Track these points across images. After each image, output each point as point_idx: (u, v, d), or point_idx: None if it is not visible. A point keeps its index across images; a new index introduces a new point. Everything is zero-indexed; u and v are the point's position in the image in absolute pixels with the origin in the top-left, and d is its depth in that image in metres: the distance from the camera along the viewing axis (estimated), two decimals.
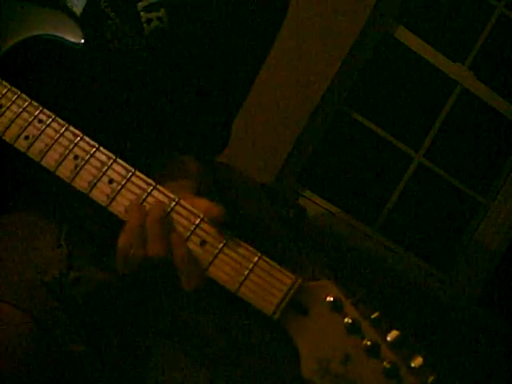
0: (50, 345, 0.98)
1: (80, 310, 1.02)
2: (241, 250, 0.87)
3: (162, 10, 1.11)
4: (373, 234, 2.64)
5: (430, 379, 0.78)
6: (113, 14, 1.10)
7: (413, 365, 0.79)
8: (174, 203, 0.90)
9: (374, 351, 0.79)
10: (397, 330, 0.81)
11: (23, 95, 0.98)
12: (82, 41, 1.03)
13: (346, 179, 2.75)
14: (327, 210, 2.58)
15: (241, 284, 0.85)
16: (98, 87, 1.12)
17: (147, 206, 0.90)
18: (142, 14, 1.11)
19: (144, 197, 0.91)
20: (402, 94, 2.77)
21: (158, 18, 1.11)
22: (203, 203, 0.90)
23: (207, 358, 1.70)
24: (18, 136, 0.96)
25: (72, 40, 1.03)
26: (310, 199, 2.57)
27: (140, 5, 1.11)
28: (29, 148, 0.96)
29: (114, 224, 1.09)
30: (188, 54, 1.15)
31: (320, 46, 2.36)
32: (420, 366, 0.79)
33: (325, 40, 2.36)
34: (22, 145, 0.96)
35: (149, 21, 1.11)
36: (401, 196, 2.70)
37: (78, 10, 1.09)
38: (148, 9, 1.11)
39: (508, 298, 2.71)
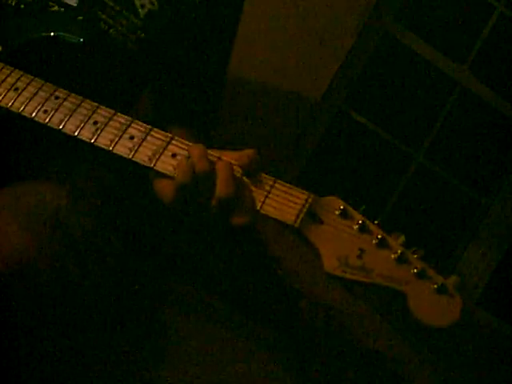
0: (48, 270, 1.01)
1: (77, 242, 1.08)
2: (257, 178, 1.02)
3: None
4: None
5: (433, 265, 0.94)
6: (111, 2, 1.25)
7: (416, 256, 0.94)
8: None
9: (383, 245, 0.95)
10: (398, 232, 0.97)
11: (37, 78, 1.05)
12: (81, 39, 1.13)
13: (345, 179, 2.75)
14: None
15: (262, 203, 1.00)
16: (100, 73, 1.24)
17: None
18: (135, 0, 1.28)
19: (165, 146, 1.00)
20: (402, 94, 2.77)
21: (150, 3, 1.29)
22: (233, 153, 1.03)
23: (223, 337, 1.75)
24: (38, 111, 1.02)
25: (73, 36, 1.13)
26: None
27: None
28: (50, 119, 1.01)
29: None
30: (178, 32, 1.33)
31: (320, 45, 2.36)
32: (423, 255, 0.94)
33: (324, 40, 2.36)
34: (41, 117, 1.02)
35: (142, 5, 1.28)
36: (401, 196, 2.69)
37: (72, 1, 1.22)
38: None
39: (508, 298, 2.71)
